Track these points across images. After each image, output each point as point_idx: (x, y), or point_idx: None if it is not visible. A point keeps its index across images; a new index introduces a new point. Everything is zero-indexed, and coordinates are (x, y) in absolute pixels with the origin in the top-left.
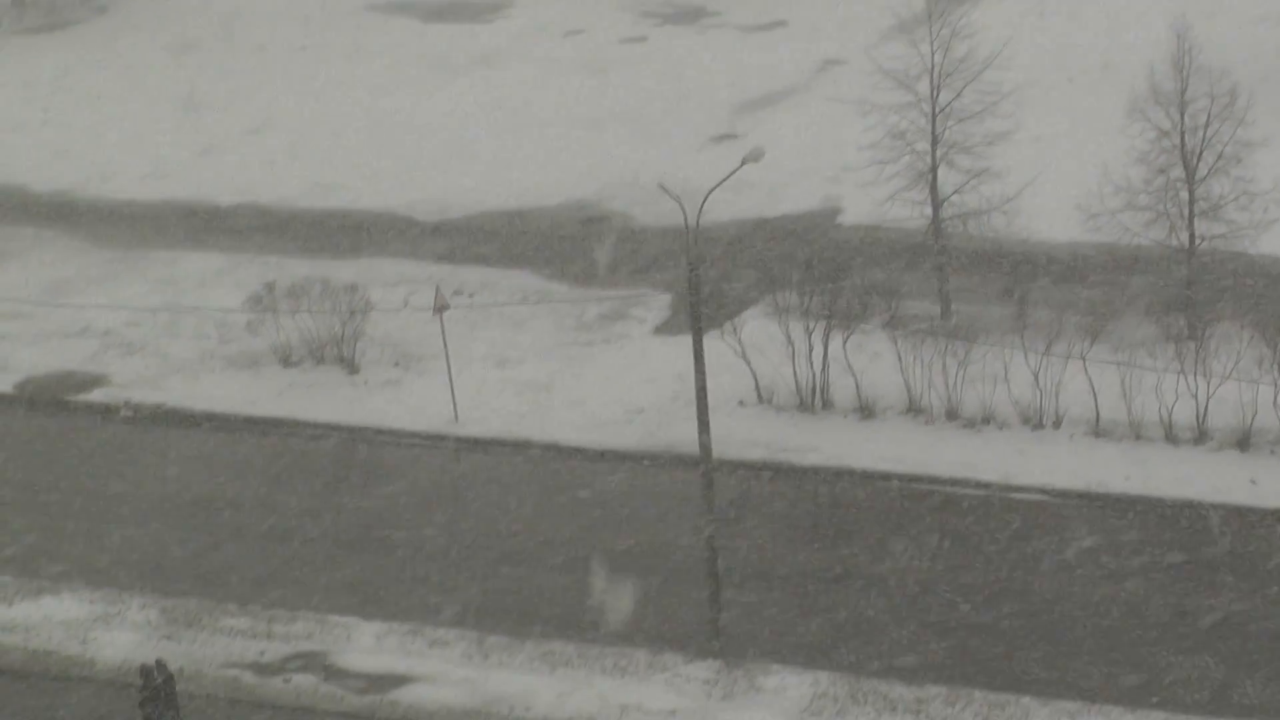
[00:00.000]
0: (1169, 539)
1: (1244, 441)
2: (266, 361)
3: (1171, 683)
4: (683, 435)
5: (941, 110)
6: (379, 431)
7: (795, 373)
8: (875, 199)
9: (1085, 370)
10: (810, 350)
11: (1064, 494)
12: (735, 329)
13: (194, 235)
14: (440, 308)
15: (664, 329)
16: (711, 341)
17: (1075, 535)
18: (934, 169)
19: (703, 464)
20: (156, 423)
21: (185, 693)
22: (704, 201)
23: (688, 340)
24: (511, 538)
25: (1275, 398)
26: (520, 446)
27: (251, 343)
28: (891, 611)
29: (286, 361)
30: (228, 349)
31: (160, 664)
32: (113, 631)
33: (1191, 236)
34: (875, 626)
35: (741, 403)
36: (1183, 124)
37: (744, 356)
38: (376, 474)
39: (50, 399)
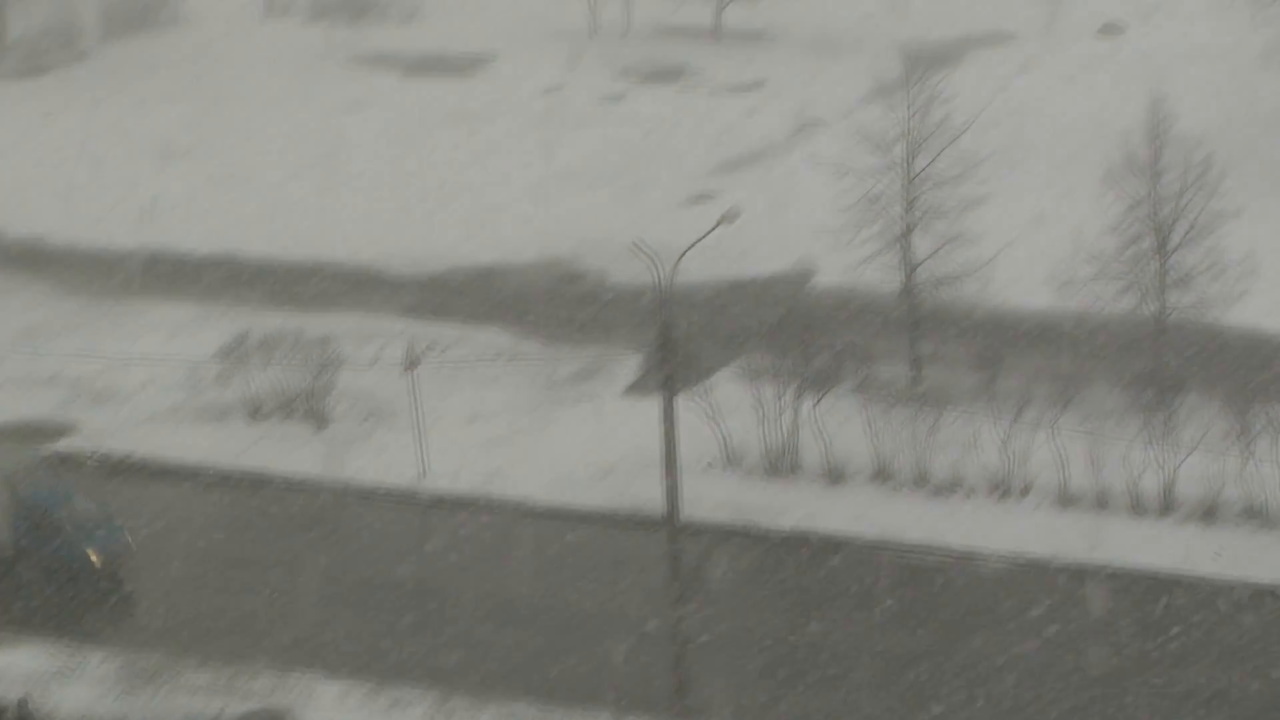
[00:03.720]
0: (1129, 610)
1: (1210, 513)
2: (236, 414)
3: None
4: (651, 496)
5: (917, 175)
6: (346, 487)
7: (765, 436)
8: (849, 262)
9: (1054, 439)
10: (780, 414)
11: (1027, 563)
12: (706, 391)
13: (167, 285)
14: (411, 363)
15: (635, 389)
16: (682, 403)
17: (1036, 603)
18: (908, 234)
19: (670, 526)
20: (122, 473)
21: None
22: (678, 261)
23: (658, 401)
24: (478, 598)
25: (1241, 469)
26: (489, 504)
27: (222, 394)
28: (856, 680)
29: (256, 414)
30: (198, 400)
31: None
32: (71, 686)
33: (1162, 306)
34: (842, 696)
35: (710, 465)
36: (1156, 194)
37: (714, 419)
38: (342, 529)
39: (17, 448)
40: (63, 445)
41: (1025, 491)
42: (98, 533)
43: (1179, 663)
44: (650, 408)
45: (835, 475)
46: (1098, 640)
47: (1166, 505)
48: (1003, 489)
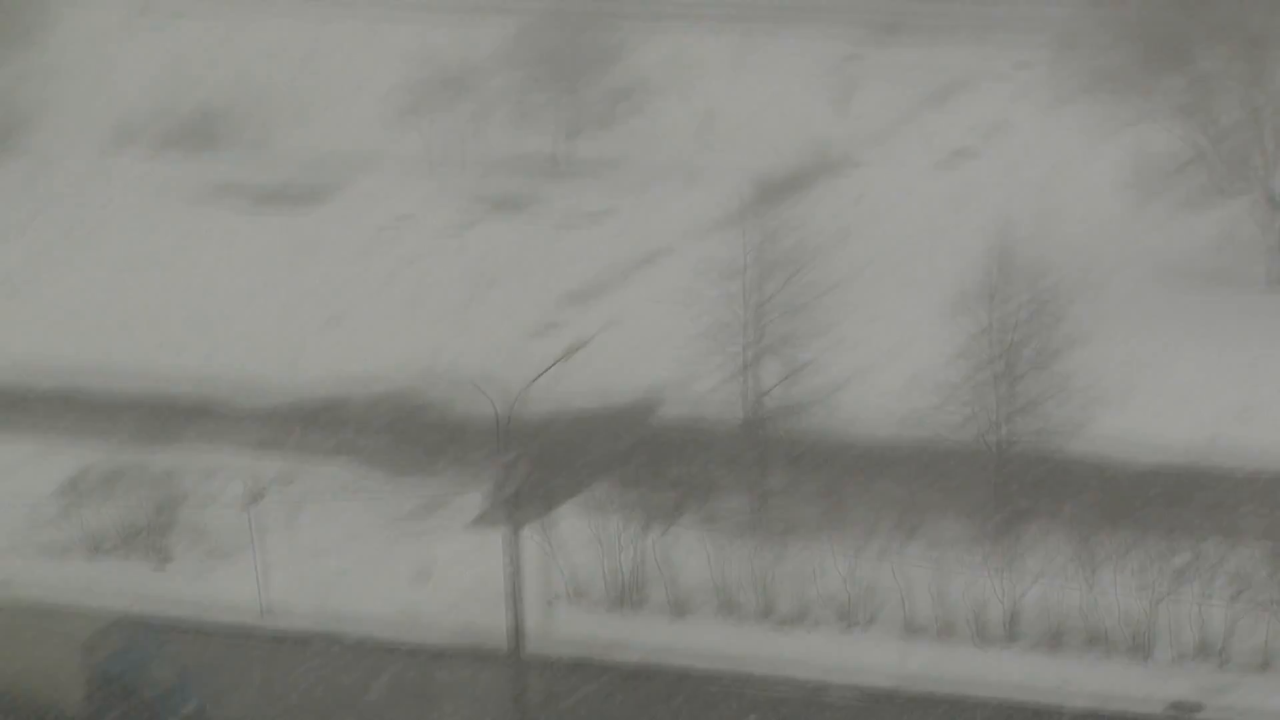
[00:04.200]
0: None
1: (1054, 642)
2: (79, 550)
3: None
4: (496, 629)
5: (764, 303)
6: (182, 622)
7: (609, 569)
8: (696, 392)
9: (899, 568)
10: (626, 546)
11: (875, 694)
12: (551, 523)
13: (6, 418)
14: (254, 498)
15: (479, 523)
16: (527, 535)
17: None
18: (755, 362)
19: (515, 660)
20: None
21: None
22: (523, 393)
23: (502, 534)
24: None
25: (1085, 597)
26: (332, 640)
27: (64, 530)
28: None
29: (97, 551)
30: (39, 536)
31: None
32: None
33: (1008, 434)
34: None
35: (554, 599)
36: (1002, 320)
37: (559, 551)
38: (183, 666)
39: None
40: None
41: (871, 622)
42: (173, 702)
43: None
44: (496, 540)
45: (681, 608)
46: None
47: (1011, 634)
48: (849, 619)
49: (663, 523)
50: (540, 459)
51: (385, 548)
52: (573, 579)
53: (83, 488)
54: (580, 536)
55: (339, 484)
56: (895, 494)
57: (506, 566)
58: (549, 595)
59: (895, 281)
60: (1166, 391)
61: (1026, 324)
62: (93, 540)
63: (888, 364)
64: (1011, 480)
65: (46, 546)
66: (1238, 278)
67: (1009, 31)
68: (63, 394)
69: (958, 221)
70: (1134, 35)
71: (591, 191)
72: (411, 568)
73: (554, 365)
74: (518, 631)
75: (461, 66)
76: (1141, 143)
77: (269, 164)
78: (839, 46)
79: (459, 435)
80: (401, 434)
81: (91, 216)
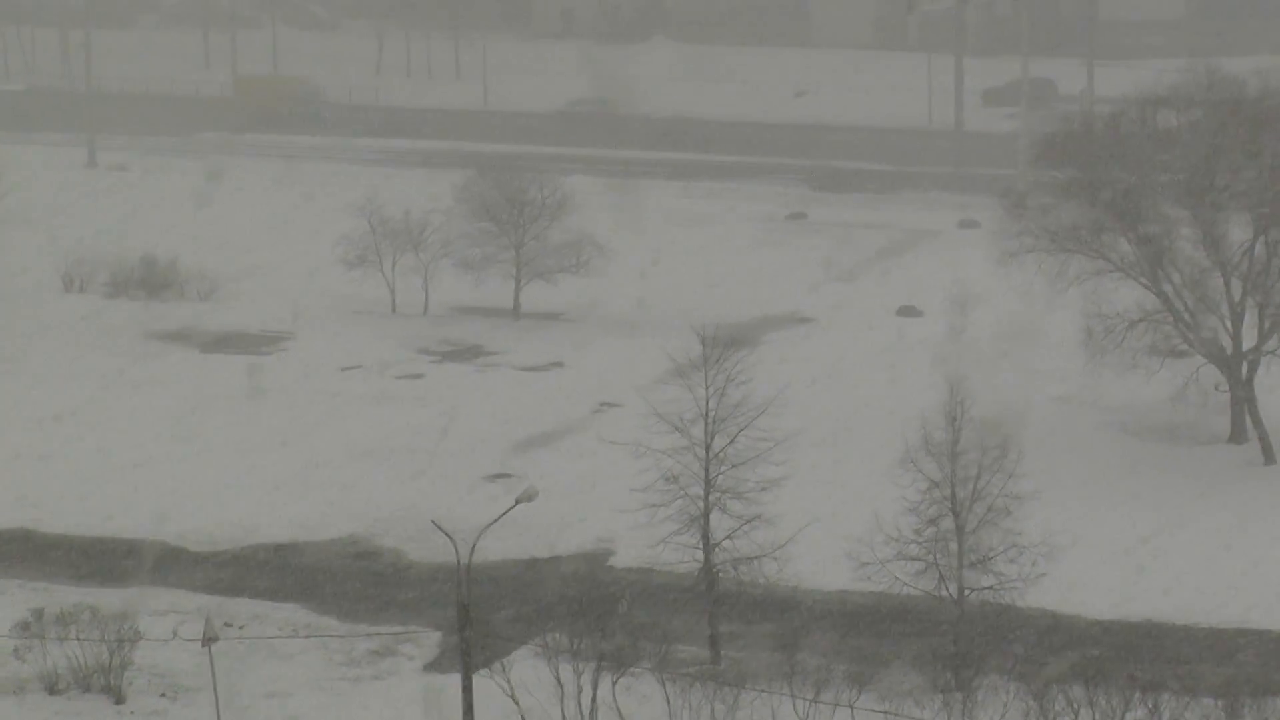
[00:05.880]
0: None
1: None
2: (33, 689)
3: None
4: None
5: (715, 455)
6: None
7: (564, 715)
8: (648, 541)
9: (852, 718)
10: (580, 692)
11: None
12: (504, 668)
13: None
14: (209, 639)
15: (434, 666)
16: (481, 681)
17: None
18: (706, 514)
19: None
20: None
21: None
22: (476, 540)
23: (458, 678)
24: None
25: None
26: None
27: (18, 669)
28: None
29: (53, 689)
30: None
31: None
32: None
33: (960, 588)
34: None
35: None
36: (954, 475)
37: (513, 697)
38: None
39: None
40: None
41: None
42: None
43: None
44: (450, 684)
45: None
46: None
47: None
48: None
49: (615, 669)
50: (494, 604)
51: (340, 691)
52: None
53: (37, 627)
54: (534, 681)
55: (292, 627)
56: (849, 644)
57: (463, 710)
58: None
59: (847, 435)
60: (1120, 543)
61: (978, 479)
62: (49, 678)
63: (840, 516)
64: (965, 634)
65: (1, 684)
66: (1189, 432)
67: (954, 191)
68: (15, 534)
69: (909, 377)
70: (1081, 195)
71: (543, 342)
72: (365, 711)
73: (506, 513)
74: None
75: (411, 218)
76: (1091, 301)
77: (218, 311)
78: (785, 202)
79: (413, 580)
80: (355, 578)
81: (39, 357)
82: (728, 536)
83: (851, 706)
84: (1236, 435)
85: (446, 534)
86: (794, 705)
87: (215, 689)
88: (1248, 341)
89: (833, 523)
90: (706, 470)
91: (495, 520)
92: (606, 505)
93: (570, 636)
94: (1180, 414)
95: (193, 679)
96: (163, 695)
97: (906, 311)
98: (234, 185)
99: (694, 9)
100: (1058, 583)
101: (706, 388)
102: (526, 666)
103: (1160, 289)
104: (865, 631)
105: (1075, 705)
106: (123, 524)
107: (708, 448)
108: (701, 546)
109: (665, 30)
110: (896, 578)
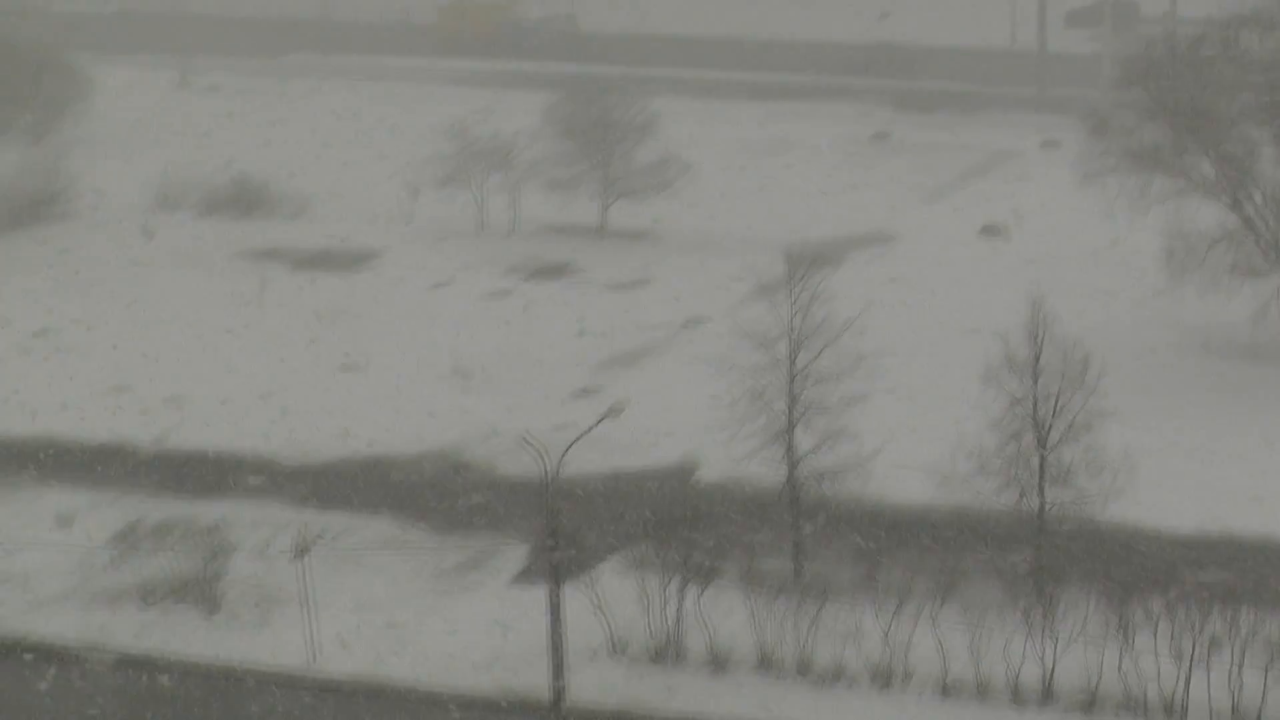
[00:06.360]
0: None
1: (1089, 704)
2: (128, 599)
3: None
4: (537, 683)
5: (799, 372)
6: (233, 671)
7: (649, 625)
8: (732, 456)
9: (934, 630)
10: (665, 604)
11: None
12: (591, 581)
13: (60, 472)
14: (301, 551)
15: (521, 578)
16: (568, 592)
17: None
18: (791, 428)
19: (555, 713)
20: (14, 660)
21: None
22: (564, 454)
23: (545, 590)
24: None
25: (1120, 661)
26: (377, 690)
27: (115, 580)
28: None
29: (148, 600)
30: (91, 585)
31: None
32: None
33: (1042, 502)
34: None
35: (595, 653)
36: (1035, 391)
37: (599, 608)
38: (233, 713)
39: None
40: None
41: (907, 681)
42: None
43: None
44: (537, 596)
45: (719, 664)
46: None
47: (1046, 696)
48: (884, 679)
49: (701, 581)
50: (581, 517)
51: (430, 602)
52: (613, 634)
53: (133, 539)
54: (621, 593)
55: (383, 539)
56: (931, 558)
57: (548, 621)
58: (590, 650)
59: (930, 352)
60: (1201, 459)
61: (1059, 395)
62: (144, 589)
63: (923, 431)
64: (1046, 546)
65: (98, 594)
66: (1272, 351)
67: (1037, 112)
68: (114, 449)
69: (992, 295)
70: (1163, 116)
71: (629, 260)
72: (454, 621)
73: (593, 427)
74: (558, 685)
75: (498, 139)
76: (1173, 221)
77: (308, 230)
78: (869, 123)
79: (502, 494)
80: (445, 492)
81: (137, 276)
82: (811, 451)
83: (934, 619)
84: None
85: (535, 448)
86: (876, 617)
87: (306, 600)
88: None
89: (916, 438)
90: (791, 385)
91: (582, 435)
92: (692, 421)
93: (656, 550)
94: (1261, 333)
95: (285, 590)
96: (256, 606)
97: (989, 231)
98: (326, 106)
99: None
100: (1136, 497)
101: (791, 305)
102: (613, 579)
103: (1241, 209)
104: (947, 545)
105: (1154, 618)
106: (217, 438)
107: (792, 363)
108: (785, 461)
109: None
110: (978, 492)
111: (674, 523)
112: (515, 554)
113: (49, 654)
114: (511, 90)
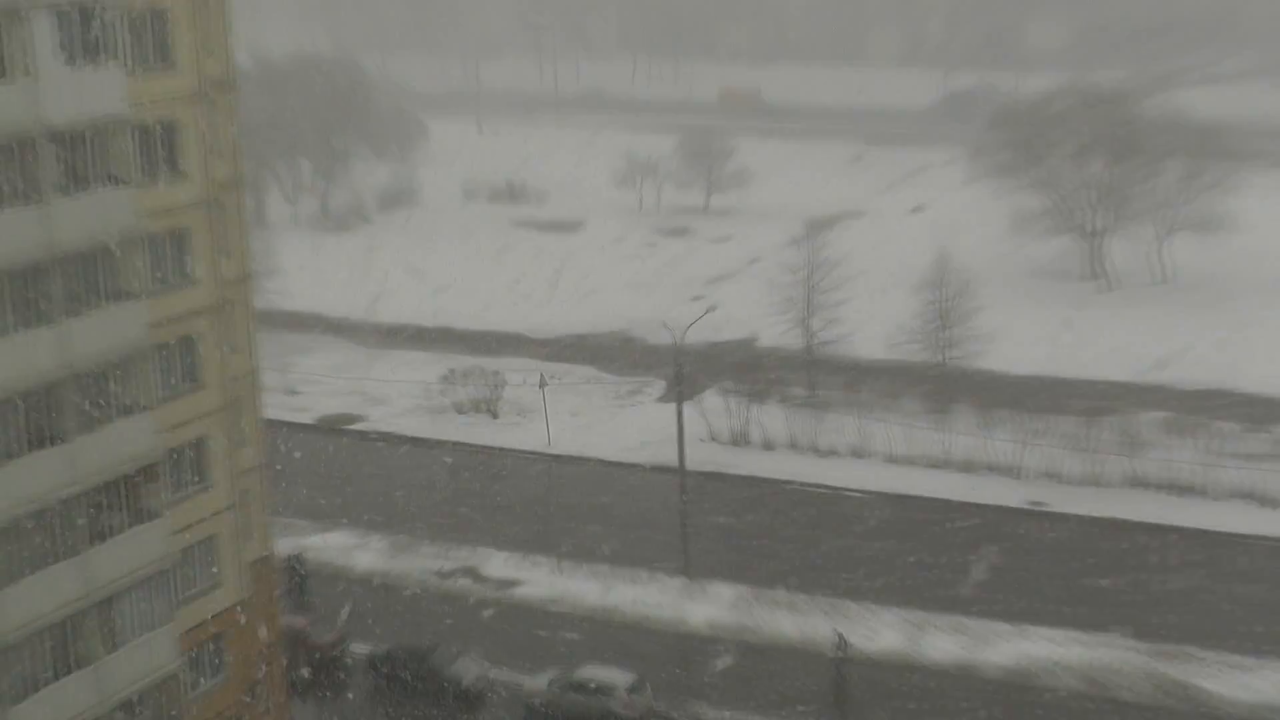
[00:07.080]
0: (922, 525)
1: (968, 466)
2: (448, 411)
3: None
4: (669, 457)
5: (813, 287)
6: (506, 450)
7: (730, 425)
8: (777, 332)
9: (885, 426)
10: (739, 412)
11: (872, 494)
12: (699, 400)
13: (413, 342)
14: (542, 384)
15: (662, 399)
16: (687, 407)
17: (874, 515)
18: (808, 318)
19: (680, 471)
20: (389, 442)
21: (397, 585)
22: (684, 332)
23: (674, 405)
24: (577, 507)
25: (986, 443)
26: (583, 459)
27: (441, 401)
28: (780, 540)
29: (460, 411)
30: (428, 404)
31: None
32: (363, 553)
33: (944, 357)
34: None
35: (701, 440)
36: (941, 297)
37: (703, 415)
38: (502, 473)
39: (332, 427)
40: (357, 427)
41: (869, 455)
42: None
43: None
44: (670, 409)
45: (768, 445)
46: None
47: (945, 460)
48: (858, 453)
49: (758, 400)
50: (693, 365)
51: (611, 412)
52: (711, 429)
53: (451, 378)
54: (715, 407)
55: (588, 378)
56: (883, 388)
57: (677, 422)
58: (698, 438)
59: (882, 276)
60: (1029, 334)
61: (954, 299)
62: (457, 406)
63: (879, 319)
64: (946, 382)
65: (431, 409)
66: (1068, 274)
67: (943, 141)
68: (441, 330)
69: (918, 246)
70: (1015, 145)
71: (719, 226)
72: (625, 422)
73: (701, 317)
74: (681, 457)
75: (649, 159)
76: (1016, 204)
77: (547, 209)
78: (849, 149)
79: (652, 354)
80: (621, 352)
81: (455, 235)
82: (819, 330)
83: (884, 420)
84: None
85: (669, 329)
86: (854, 419)
87: (545, 411)
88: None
89: (875, 322)
90: (808, 295)
91: (695, 321)
92: (754, 313)
93: (734, 383)
94: (1067, 264)
95: (533, 405)
96: (518, 414)
97: (917, 209)
98: (556, 141)
99: None
100: (995, 355)
101: (809, 250)
102: (711, 399)
103: (1054, 196)
104: (893, 381)
105: (1005, 421)
106: (497, 323)
107: (809, 283)
108: (804, 335)
109: None
110: (908, 352)
111: (744, 368)
112: (658, 386)
113: (405, 440)
114: (657, 130)
